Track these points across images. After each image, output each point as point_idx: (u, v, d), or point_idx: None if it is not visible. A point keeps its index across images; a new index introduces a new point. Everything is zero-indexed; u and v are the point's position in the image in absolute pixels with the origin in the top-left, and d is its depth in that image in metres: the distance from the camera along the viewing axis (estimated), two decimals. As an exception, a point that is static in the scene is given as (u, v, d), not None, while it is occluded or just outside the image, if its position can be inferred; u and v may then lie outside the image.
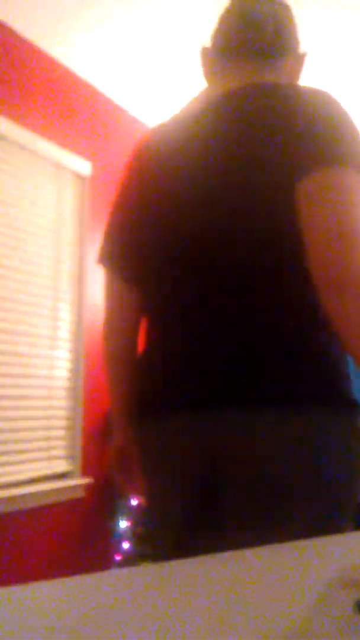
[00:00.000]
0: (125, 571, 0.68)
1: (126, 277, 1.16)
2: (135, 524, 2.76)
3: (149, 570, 0.68)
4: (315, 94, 0.97)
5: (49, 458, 2.63)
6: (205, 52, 1.15)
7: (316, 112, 0.94)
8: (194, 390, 0.99)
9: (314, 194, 0.89)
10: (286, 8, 1.12)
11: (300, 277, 0.91)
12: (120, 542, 2.78)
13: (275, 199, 0.94)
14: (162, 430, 1.03)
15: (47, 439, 2.62)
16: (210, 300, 0.99)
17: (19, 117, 2.59)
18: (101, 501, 2.84)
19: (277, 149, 0.94)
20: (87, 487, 2.76)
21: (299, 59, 1.13)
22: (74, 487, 2.68)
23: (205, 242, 1.00)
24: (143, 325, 1.16)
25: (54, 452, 2.66)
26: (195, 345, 1.00)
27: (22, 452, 2.50)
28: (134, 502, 2.75)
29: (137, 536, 2.74)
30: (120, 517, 2.79)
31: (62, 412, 2.71)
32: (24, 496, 2.42)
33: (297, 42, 1.13)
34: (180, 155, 1.05)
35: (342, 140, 0.92)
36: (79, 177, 2.95)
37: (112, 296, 1.18)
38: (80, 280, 2.89)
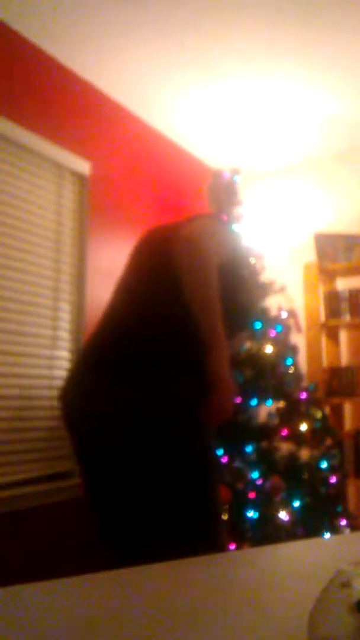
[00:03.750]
0: (125, 570, 0.68)
1: None
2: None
3: (149, 570, 0.69)
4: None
5: (51, 458, 2.65)
6: None
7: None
8: None
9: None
10: None
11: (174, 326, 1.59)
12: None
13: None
14: None
15: (49, 439, 2.64)
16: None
17: (19, 118, 2.60)
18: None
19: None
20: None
21: None
22: (75, 486, 2.69)
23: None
24: None
25: (56, 452, 2.67)
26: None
27: (24, 451, 2.52)
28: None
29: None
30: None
31: (63, 412, 2.72)
32: (26, 495, 2.44)
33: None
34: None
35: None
36: (79, 177, 2.96)
37: None
38: (80, 280, 2.90)
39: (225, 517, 2.47)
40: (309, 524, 2.60)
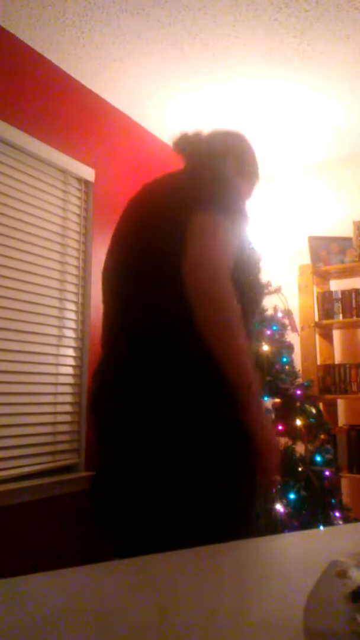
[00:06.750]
0: (127, 561, 0.70)
1: None
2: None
3: (150, 560, 0.69)
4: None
5: (55, 452, 2.70)
6: None
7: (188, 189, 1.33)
8: None
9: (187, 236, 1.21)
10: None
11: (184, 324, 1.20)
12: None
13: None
14: None
15: (53, 433, 2.69)
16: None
17: (26, 126, 2.65)
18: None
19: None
20: (91, 479, 2.82)
21: None
22: (78, 480, 2.74)
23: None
24: None
25: (60, 446, 2.72)
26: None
27: (29, 445, 2.56)
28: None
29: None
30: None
31: (68, 408, 2.78)
32: (30, 488, 2.47)
33: None
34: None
35: (207, 195, 1.27)
36: (84, 184, 3.02)
37: None
38: (85, 282, 2.97)
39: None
40: (304, 516, 2.63)
